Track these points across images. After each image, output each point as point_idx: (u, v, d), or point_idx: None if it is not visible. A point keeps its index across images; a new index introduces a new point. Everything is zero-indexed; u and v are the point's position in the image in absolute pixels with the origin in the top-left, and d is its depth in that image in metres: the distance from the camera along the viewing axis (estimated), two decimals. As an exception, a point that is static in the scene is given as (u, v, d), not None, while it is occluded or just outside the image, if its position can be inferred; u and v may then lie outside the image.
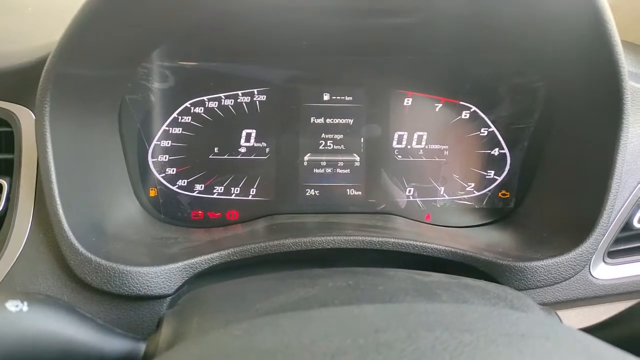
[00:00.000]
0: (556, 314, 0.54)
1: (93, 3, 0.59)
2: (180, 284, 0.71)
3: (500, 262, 0.72)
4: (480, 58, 0.90)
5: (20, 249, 0.70)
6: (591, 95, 0.77)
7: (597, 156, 0.75)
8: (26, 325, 0.43)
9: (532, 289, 0.73)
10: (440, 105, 0.93)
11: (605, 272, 0.80)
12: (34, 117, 0.69)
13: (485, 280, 0.73)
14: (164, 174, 0.90)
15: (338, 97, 0.92)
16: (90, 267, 0.67)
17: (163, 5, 0.67)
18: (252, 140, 0.92)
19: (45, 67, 0.63)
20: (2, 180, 0.72)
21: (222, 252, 0.73)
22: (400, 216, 0.93)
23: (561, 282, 0.73)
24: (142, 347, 0.50)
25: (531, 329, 0.39)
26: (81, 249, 0.66)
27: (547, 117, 0.88)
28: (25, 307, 0.43)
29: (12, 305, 0.43)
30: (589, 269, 0.79)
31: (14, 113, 0.73)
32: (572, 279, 0.75)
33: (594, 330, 0.51)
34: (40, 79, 0.64)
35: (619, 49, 0.66)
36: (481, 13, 0.75)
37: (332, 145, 0.93)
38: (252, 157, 0.92)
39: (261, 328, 0.40)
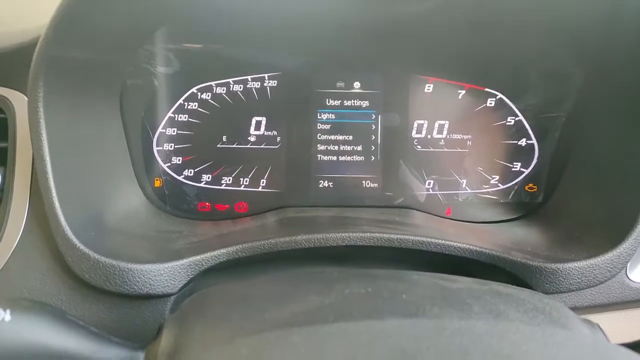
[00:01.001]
0: (600, 328, 0.48)
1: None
2: (185, 282, 0.67)
3: (530, 263, 0.67)
4: (507, 39, 0.83)
5: (15, 243, 0.66)
6: (631, 81, 0.70)
7: (637, 147, 0.69)
8: (8, 337, 0.38)
9: (564, 292, 0.68)
10: (464, 92, 0.87)
11: (644, 274, 0.74)
12: (28, 102, 0.64)
13: (513, 281, 0.68)
14: (169, 164, 0.86)
15: (353, 83, 0.87)
16: (89, 264, 0.62)
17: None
18: (262, 128, 0.86)
19: (37, 49, 0.58)
20: (-5, 169, 0.68)
21: (230, 249, 0.69)
22: (420, 210, 0.88)
23: (596, 285, 0.68)
24: (140, 356, 0.46)
25: (581, 353, 0.33)
26: (79, 244, 0.62)
27: (581, 105, 0.81)
28: (7, 316, 0.39)
29: (-7, 314, 0.38)
30: (626, 271, 0.73)
31: (7, 98, 0.68)
32: (606, 282, 0.69)
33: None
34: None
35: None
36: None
37: (347, 134, 0.87)
38: (262, 146, 0.87)
39: (271, 346, 0.35)
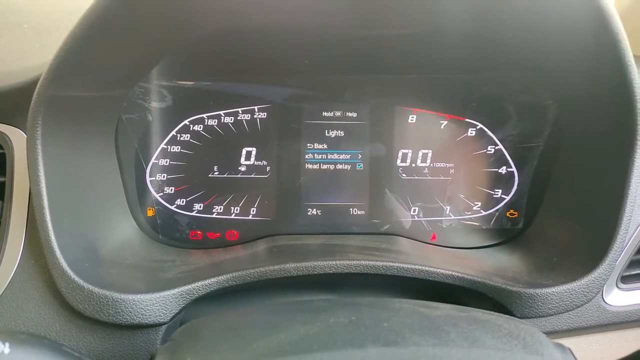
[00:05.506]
0: (571, 352, 0.51)
1: (86, 23, 0.57)
2: (177, 311, 0.68)
3: (510, 288, 0.70)
4: (487, 75, 0.87)
5: (11, 275, 0.67)
6: (603, 115, 0.74)
7: (610, 177, 0.73)
8: (8, 369, 0.40)
9: (543, 316, 0.70)
10: (446, 122, 0.90)
11: (619, 298, 0.77)
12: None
13: (494, 306, 0.71)
14: (162, 193, 0.88)
15: (341, 115, 0.90)
16: (83, 295, 0.64)
17: (161, 25, 0.65)
18: (253, 158, 0.89)
19: (37, 89, 0.61)
20: (-7, 203, 0.70)
21: (221, 277, 0.71)
22: (405, 237, 0.90)
23: (573, 309, 0.70)
24: (133, 386, 0.48)
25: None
26: (73, 276, 0.64)
27: (557, 136, 0.85)
28: (7, 348, 0.41)
29: (-7, 348, 0.40)
30: (602, 295, 0.75)
31: (6, 134, 0.70)
32: (584, 306, 0.72)
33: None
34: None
35: (633, 69, 0.63)
36: (485, 28, 0.73)
37: (334, 163, 0.90)
38: (252, 175, 0.89)
39: (257, 376, 0.37)
